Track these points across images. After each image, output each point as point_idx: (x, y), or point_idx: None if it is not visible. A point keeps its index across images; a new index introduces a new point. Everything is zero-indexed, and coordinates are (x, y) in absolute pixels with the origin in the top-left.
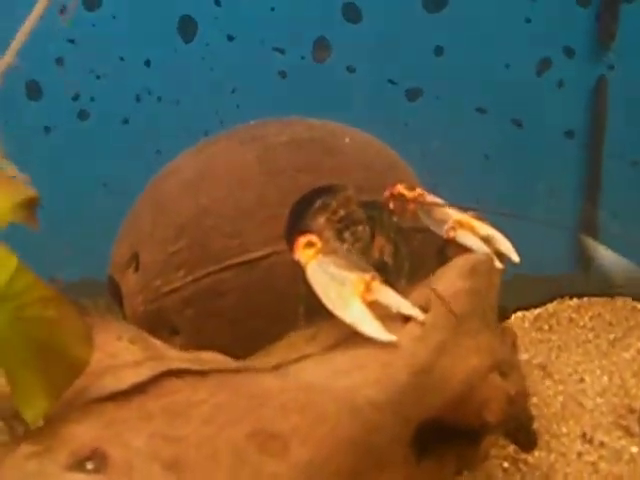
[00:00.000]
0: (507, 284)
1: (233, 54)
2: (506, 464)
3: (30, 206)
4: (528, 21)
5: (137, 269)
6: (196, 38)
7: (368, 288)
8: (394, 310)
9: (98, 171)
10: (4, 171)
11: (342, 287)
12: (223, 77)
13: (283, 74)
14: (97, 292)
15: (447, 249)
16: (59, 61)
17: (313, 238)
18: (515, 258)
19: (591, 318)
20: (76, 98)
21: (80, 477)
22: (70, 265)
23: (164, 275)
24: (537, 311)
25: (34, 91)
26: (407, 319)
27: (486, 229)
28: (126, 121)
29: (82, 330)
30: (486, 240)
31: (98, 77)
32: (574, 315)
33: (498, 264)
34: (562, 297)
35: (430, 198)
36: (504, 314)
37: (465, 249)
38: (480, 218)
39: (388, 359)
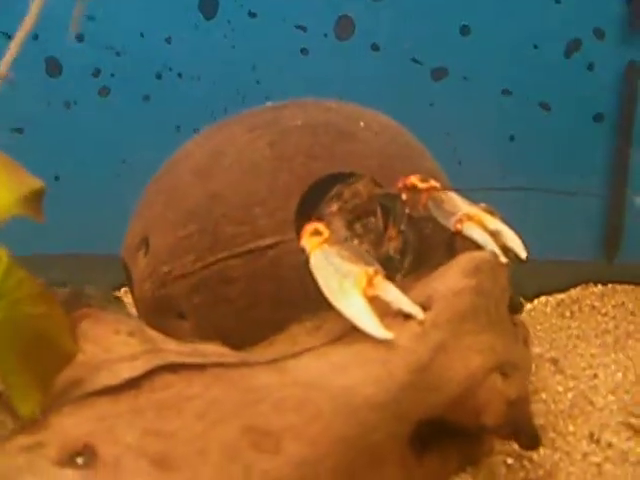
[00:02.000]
0: (533, 268)
1: (255, 31)
2: (510, 460)
3: (36, 199)
4: (558, 1)
5: (147, 253)
6: (217, 15)
7: (370, 282)
8: (395, 307)
9: (118, 147)
10: (11, 160)
11: (344, 279)
12: (244, 54)
13: (305, 52)
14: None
15: (455, 242)
16: (79, 38)
17: (320, 226)
18: (522, 254)
19: (614, 307)
20: (97, 74)
21: (68, 473)
22: (89, 240)
23: (173, 260)
24: (560, 296)
25: (54, 68)
26: (408, 316)
27: (495, 223)
28: (147, 98)
29: (68, 325)
30: (494, 234)
31: (118, 54)
32: (597, 303)
33: (503, 259)
34: (587, 283)
35: (442, 190)
36: (519, 307)
37: (473, 243)
38: (491, 212)
39: (387, 357)
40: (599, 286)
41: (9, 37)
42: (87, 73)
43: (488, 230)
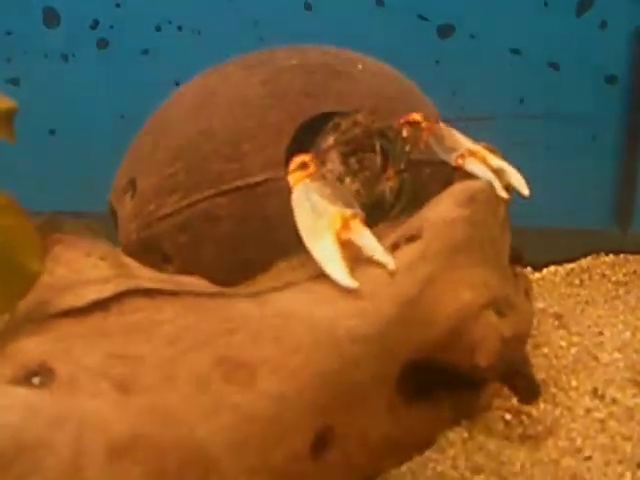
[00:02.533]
0: (542, 237)
1: None
2: (508, 416)
3: (6, 118)
4: None
5: (134, 196)
6: None
7: (346, 225)
8: (366, 254)
9: (115, 101)
10: None
11: (319, 218)
12: (246, 8)
13: (308, 6)
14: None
15: (453, 179)
16: None
17: (307, 159)
18: (525, 192)
19: (625, 275)
20: (95, 26)
21: (22, 391)
22: (84, 196)
23: (159, 199)
24: (570, 266)
25: (51, 18)
26: (396, 247)
27: (498, 161)
28: (146, 51)
29: (36, 242)
30: (497, 172)
31: (118, 5)
32: (608, 272)
33: (503, 193)
34: (597, 253)
35: (445, 127)
36: (519, 257)
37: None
38: (493, 150)
39: (373, 290)
40: (610, 256)
41: None
42: (85, 25)
43: (490, 167)
